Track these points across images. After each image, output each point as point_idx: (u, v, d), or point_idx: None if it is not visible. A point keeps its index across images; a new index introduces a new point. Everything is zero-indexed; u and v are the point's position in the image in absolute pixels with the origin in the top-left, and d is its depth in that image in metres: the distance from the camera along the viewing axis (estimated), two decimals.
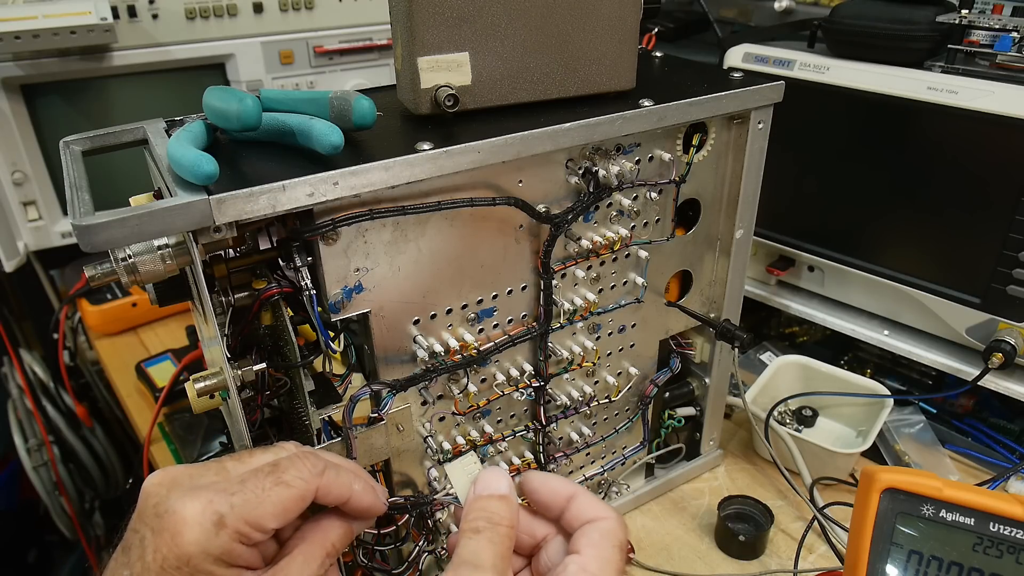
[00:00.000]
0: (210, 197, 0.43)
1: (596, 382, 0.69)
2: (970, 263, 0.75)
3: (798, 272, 0.92)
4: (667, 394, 0.78)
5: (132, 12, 1.06)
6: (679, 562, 0.73)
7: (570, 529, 0.43)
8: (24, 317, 1.34)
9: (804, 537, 0.73)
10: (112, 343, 1.13)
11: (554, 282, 0.61)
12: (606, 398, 0.70)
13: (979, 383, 0.77)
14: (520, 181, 0.56)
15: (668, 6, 1.13)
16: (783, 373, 0.88)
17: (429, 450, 0.61)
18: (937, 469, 0.81)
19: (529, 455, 0.69)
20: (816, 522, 0.72)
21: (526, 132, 0.53)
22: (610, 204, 0.62)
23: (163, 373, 1.00)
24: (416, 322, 0.56)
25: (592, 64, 0.58)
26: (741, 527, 0.74)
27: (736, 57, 0.87)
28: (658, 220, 0.65)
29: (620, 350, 0.70)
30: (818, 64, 0.81)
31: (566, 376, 0.66)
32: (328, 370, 0.60)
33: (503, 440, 0.65)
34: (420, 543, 0.64)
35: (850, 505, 0.74)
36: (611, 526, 0.41)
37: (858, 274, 0.85)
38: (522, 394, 0.64)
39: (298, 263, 0.50)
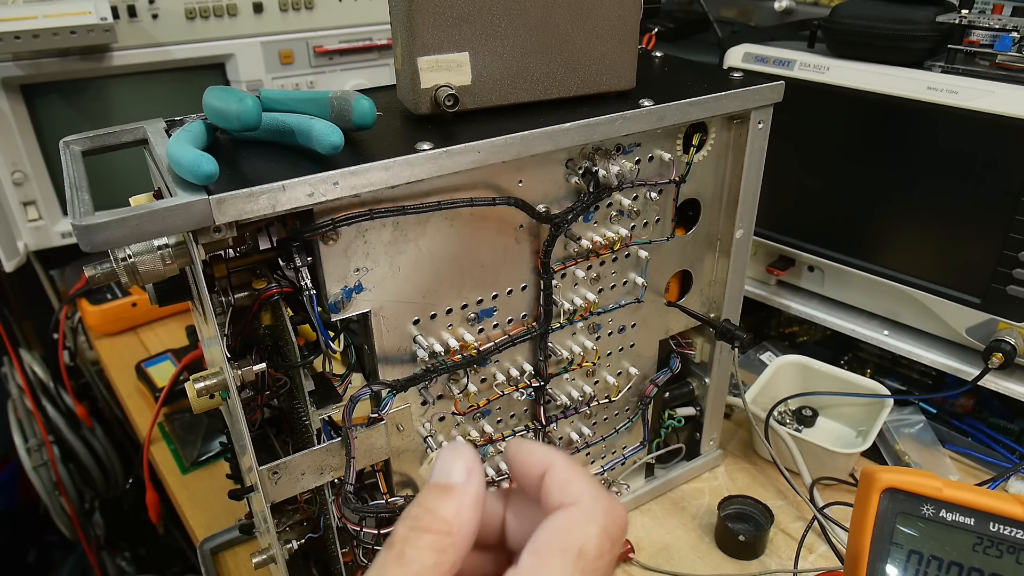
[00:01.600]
0: (210, 197, 0.43)
1: (596, 382, 0.69)
2: (970, 263, 0.75)
3: (798, 272, 0.92)
4: (667, 394, 0.78)
5: (132, 12, 1.06)
6: (679, 562, 0.73)
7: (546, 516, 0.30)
8: (24, 317, 1.34)
9: (804, 537, 0.73)
10: (112, 343, 1.13)
11: (554, 282, 0.61)
12: (606, 398, 0.70)
13: (979, 383, 0.77)
14: (520, 181, 0.56)
15: (668, 6, 1.12)
16: (783, 373, 0.88)
17: (429, 450, 0.61)
18: (937, 469, 0.81)
19: None
20: (816, 522, 0.72)
21: (526, 132, 0.53)
22: (610, 204, 0.62)
23: (163, 373, 1.00)
24: (416, 322, 0.56)
25: (592, 64, 0.58)
26: (741, 527, 0.74)
27: (736, 57, 0.87)
28: (658, 220, 0.65)
29: (620, 350, 0.70)
30: (818, 64, 0.81)
31: (566, 376, 0.66)
32: (328, 370, 0.60)
33: (503, 440, 0.65)
34: None
35: (850, 505, 0.74)
36: (568, 519, 0.28)
37: (858, 274, 0.84)
38: (522, 394, 0.64)
39: (298, 263, 0.50)
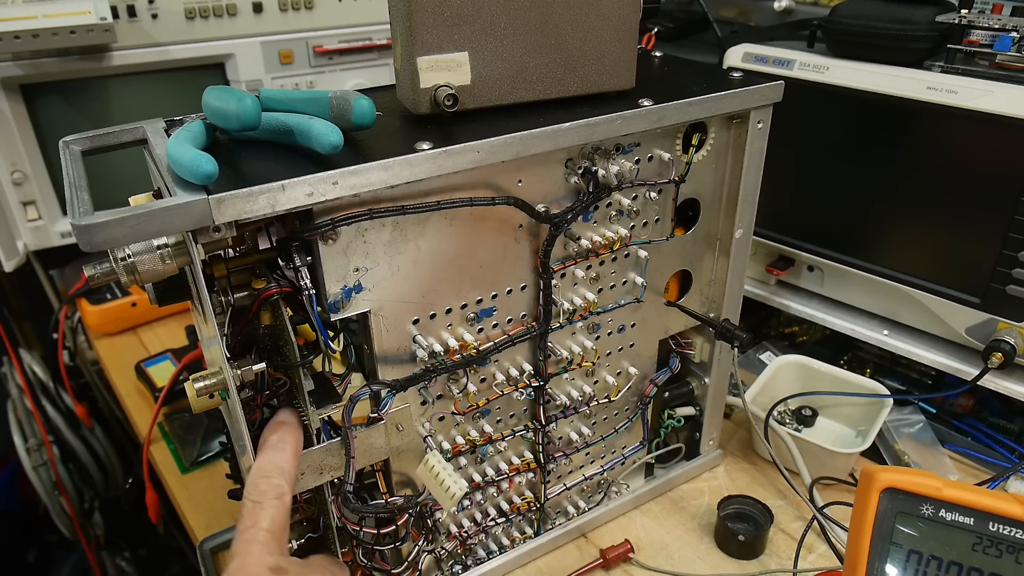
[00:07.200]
0: (209, 197, 0.43)
1: (596, 382, 0.69)
2: (970, 263, 0.75)
3: (798, 272, 0.92)
4: (667, 394, 0.78)
5: (132, 12, 1.06)
6: (679, 562, 0.73)
7: None
8: (24, 317, 1.34)
9: (804, 537, 0.73)
10: (112, 343, 1.13)
11: (554, 282, 0.61)
12: (606, 398, 0.70)
13: (979, 383, 0.77)
14: (519, 181, 0.56)
15: (668, 6, 1.12)
16: (783, 373, 0.88)
17: (428, 449, 0.61)
18: (937, 469, 0.81)
19: (529, 455, 0.69)
20: (816, 522, 0.72)
21: (525, 132, 0.53)
22: (609, 204, 0.62)
23: (163, 373, 1.00)
24: (416, 322, 0.56)
25: (591, 64, 0.58)
26: (741, 527, 0.74)
27: (736, 57, 0.87)
28: (657, 220, 0.65)
29: (620, 350, 0.70)
30: (818, 64, 0.81)
31: (566, 376, 0.66)
32: (328, 370, 0.60)
33: (503, 440, 0.65)
34: (419, 543, 0.64)
35: (850, 505, 0.74)
36: None
37: (858, 274, 0.84)
38: (522, 394, 0.64)
39: (297, 263, 0.50)
